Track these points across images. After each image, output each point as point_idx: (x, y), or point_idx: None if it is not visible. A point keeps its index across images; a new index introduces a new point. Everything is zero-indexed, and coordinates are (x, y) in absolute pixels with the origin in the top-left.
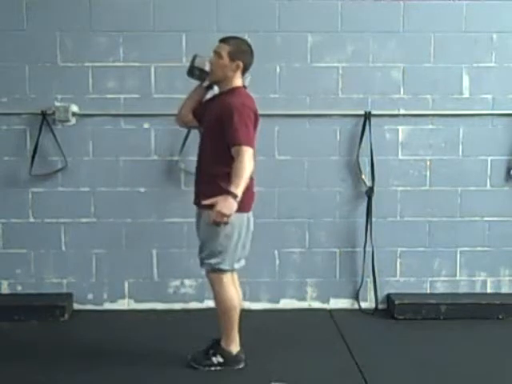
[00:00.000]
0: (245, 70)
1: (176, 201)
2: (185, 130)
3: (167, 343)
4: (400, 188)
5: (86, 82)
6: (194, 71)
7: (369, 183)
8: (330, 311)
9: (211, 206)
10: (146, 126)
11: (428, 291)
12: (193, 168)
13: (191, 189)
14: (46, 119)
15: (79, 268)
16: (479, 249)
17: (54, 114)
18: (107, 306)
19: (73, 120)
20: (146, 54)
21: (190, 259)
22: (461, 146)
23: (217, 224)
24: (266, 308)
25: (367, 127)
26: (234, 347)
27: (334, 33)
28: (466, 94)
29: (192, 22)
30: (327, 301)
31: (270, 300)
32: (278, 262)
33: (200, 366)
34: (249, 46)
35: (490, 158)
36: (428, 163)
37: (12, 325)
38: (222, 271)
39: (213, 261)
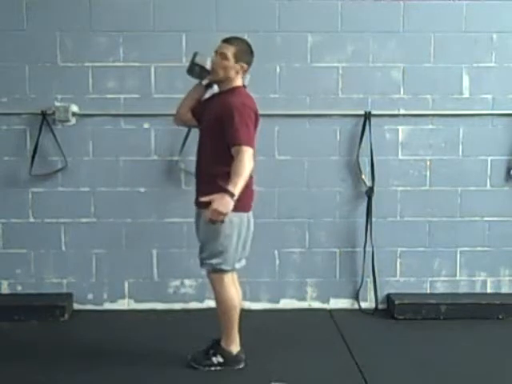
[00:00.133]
0: (246, 71)
1: (176, 201)
2: (185, 130)
3: (167, 343)
4: (400, 188)
5: (86, 82)
6: (194, 69)
7: (369, 183)
8: (330, 311)
9: (209, 205)
10: (146, 125)
11: (428, 291)
12: (193, 168)
13: (191, 189)
14: (45, 119)
15: (79, 268)
16: (479, 249)
17: (53, 113)
18: (107, 305)
19: (73, 120)
20: (146, 54)
21: (190, 259)
22: (461, 146)
23: (213, 222)
24: (265, 308)
25: (367, 127)
26: (234, 347)
27: (334, 33)
28: (466, 94)
29: (192, 22)
30: (327, 301)
31: (269, 300)
32: (277, 262)
33: (200, 366)
34: (250, 46)
35: (489, 158)
36: (428, 163)
37: (12, 325)
38: (223, 271)
39: (214, 261)
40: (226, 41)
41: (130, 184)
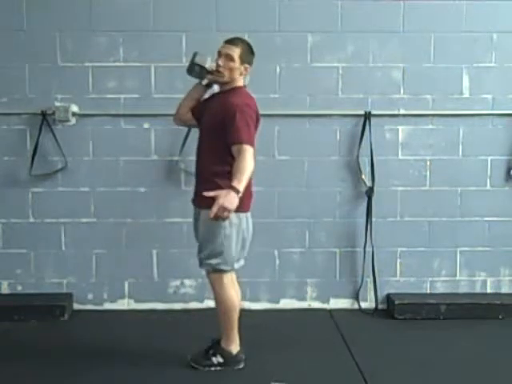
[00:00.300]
0: (248, 71)
1: (176, 201)
2: (185, 130)
3: (167, 343)
4: (400, 188)
5: (86, 82)
6: (194, 69)
7: (369, 183)
8: (330, 311)
9: (211, 205)
10: (146, 126)
11: (428, 291)
12: (193, 168)
13: (191, 189)
14: (46, 119)
15: (79, 268)
16: (479, 249)
17: (53, 113)
18: (107, 306)
19: (73, 120)
20: (145, 54)
21: (190, 259)
22: (461, 146)
23: (217, 219)
24: (265, 308)
25: (367, 127)
26: (234, 347)
27: (334, 33)
28: (466, 94)
29: (192, 22)
30: (327, 301)
31: (269, 300)
32: (277, 262)
33: (200, 366)
34: (251, 47)
35: (489, 158)
36: (428, 163)
37: (12, 325)
38: (223, 271)
39: (213, 261)
40: (230, 42)
41: (130, 184)
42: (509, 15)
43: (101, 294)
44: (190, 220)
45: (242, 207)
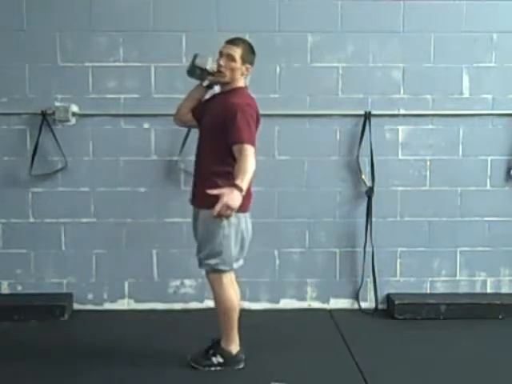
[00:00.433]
0: (249, 71)
1: (176, 201)
2: (185, 130)
3: (167, 343)
4: (400, 188)
5: (86, 82)
6: (194, 71)
7: (369, 183)
8: (330, 311)
9: (210, 205)
10: (146, 126)
11: (428, 291)
12: (192, 168)
13: (191, 189)
14: (46, 119)
15: (79, 268)
16: (479, 249)
17: (54, 113)
18: (107, 306)
19: (73, 120)
20: (145, 54)
21: (190, 259)
22: (461, 146)
23: (220, 217)
24: (265, 308)
25: (367, 127)
26: (234, 347)
27: (334, 33)
28: (466, 94)
29: (192, 22)
30: (327, 301)
31: (269, 300)
32: (277, 262)
33: (200, 366)
34: (253, 48)
35: (489, 158)
36: (428, 163)
37: (12, 325)
38: (222, 271)
39: (212, 261)
40: (232, 42)
41: (130, 184)
42: (509, 15)
43: (101, 294)
44: (190, 220)
45: (241, 207)
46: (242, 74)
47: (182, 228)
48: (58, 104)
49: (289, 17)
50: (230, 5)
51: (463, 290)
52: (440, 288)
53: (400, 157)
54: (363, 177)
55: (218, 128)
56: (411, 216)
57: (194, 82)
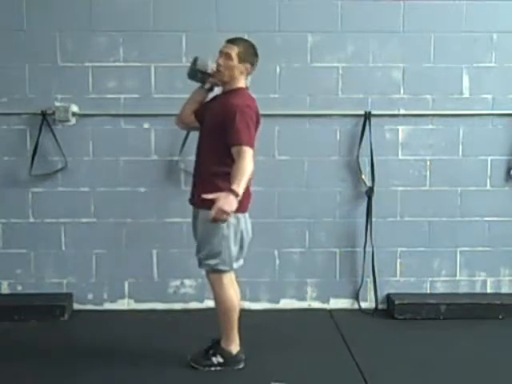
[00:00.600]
0: (250, 73)
1: (176, 201)
2: (185, 130)
3: (167, 343)
4: (400, 188)
5: (86, 82)
6: (196, 74)
7: (369, 183)
8: (330, 311)
9: (209, 206)
10: (146, 126)
11: (428, 291)
12: (192, 168)
13: (190, 189)
14: (46, 119)
15: (79, 268)
16: (479, 249)
17: (54, 113)
18: (107, 306)
19: (73, 120)
20: (145, 54)
21: (190, 259)
22: (461, 146)
23: (215, 221)
24: (265, 308)
25: (367, 127)
26: (234, 347)
27: (334, 33)
28: (466, 94)
29: (192, 22)
30: (327, 301)
31: (269, 300)
32: (277, 262)
33: (200, 366)
34: (255, 48)
35: (489, 158)
36: (428, 163)
37: (12, 325)
38: (222, 271)
39: (212, 262)
40: (231, 41)
41: (130, 184)
42: (509, 15)
43: (101, 294)
44: (190, 220)
45: (240, 207)
46: (242, 73)
47: (182, 228)
48: (57, 104)
49: (289, 17)
50: (230, 5)
51: (463, 290)
52: (440, 288)
53: (400, 157)
54: (363, 177)
55: (217, 128)
56: (411, 216)
57: (194, 84)
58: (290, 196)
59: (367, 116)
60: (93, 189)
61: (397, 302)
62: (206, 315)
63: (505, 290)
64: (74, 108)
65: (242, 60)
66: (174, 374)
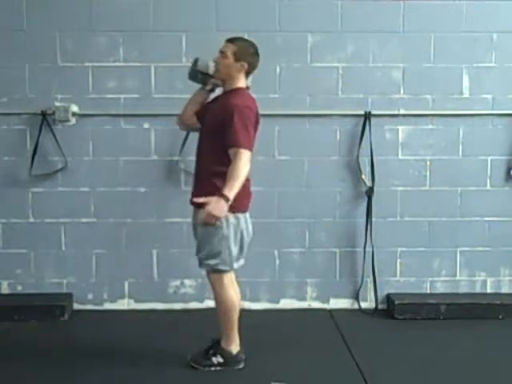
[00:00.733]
0: (249, 72)
1: (176, 201)
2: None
3: (167, 343)
4: (400, 188)
5: (86, 82)
6: (196, 75)
7: (369, 183)
8: (330, 311)
9: (204, 206)
10: (146, 125)
11: (428, 291)
12: (193, 168)
13: (191, 189)
14: (46, 119)
15: (79, 268)
16: (479, 249)
17: (54, 113)
18: (107, 306)
19: (73, 120)
20: (145, 54)
21: (190, 259)
22: (461, 146)
23: (205, 224)
24: (265, 308)
25: (367, 127)
26: (234, 347)
27: (334, 33)
28: (466, 94)
29: (192, 21)
30: (327, 301)
31: (269, 300)
32: (277, 262)
33: (200, 366)
34: (255, 48)
35: (489, 158)
36: (428, 163)
37: (12, 325)
38: (222, 271)
39: (212, 262)
40: (228, 40)
41: (129, 184)
42: (509, 15)
43: (101, 294)
44: (190, 220)
45: (239, 207)
46: (239, 72)
47: (182, 228)
48: (57, 104)
49: (289, 17)
50: (230, 5)
51: (463, 290)
52: (440, 288)
53: (400, 157)
54: (363, 177)
55: (216, 128)
56: (411, 216)
57: (194, 83)
58: (290, 196)
59: (367, 116)
60: (93, 189)
61: (397, 302)
62: (205, 315)
63: (505, 290)
64: (74, 108)
65: (237, 58)
66: (174, 374)
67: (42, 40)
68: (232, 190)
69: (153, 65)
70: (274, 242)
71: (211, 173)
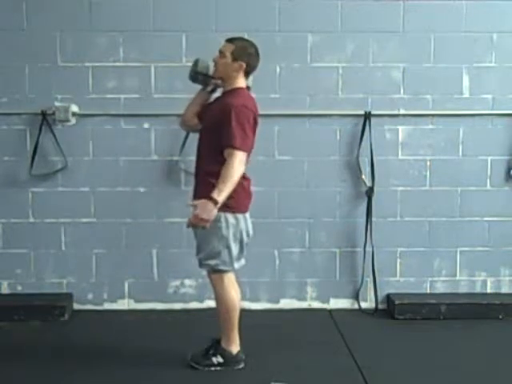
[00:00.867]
0: (249, 72)
1: (176, 201)
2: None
3: (167, 343)
4: (400, 188)
5: (86, 82)
6: (197, 77)
7: (369, 183)
8: (330, 311)
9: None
10: (146, 125)
11: (428, 291)
12: (193, 168)
13: (191, 189)
14: (45, 119)
15: (79, 268)
16: (479, 249)
17: (54, 114)
18: (107, 306)
19: (73, 120)
20: (145, 53)
21: (190, 259)
22: (461, 146)
23: (194, 226)
24: (265, 308)
25: (367, 127)
26: (234, 347)
27: (334, 33)
28: (466, 94)
29: (192, 22)
30: (327, 301)
31: (269, 300)
32: (277, 262)
33: (200, 366)
34: (254, 48)
35: (489, 158)
36: (428, 163)
37: (12, 325)
38: (223, 272)
39: (212, 262)
40: (227, 40)
41: (130, 184)
42: (509, 15)
43: (101, 294)
44: None
45: (238, 208)
46: (236, 72)
47: (182, 228)
48: (57, 104)
49: (289, 17)
50: (230, 5)
51: (463, 290)
52: (440, 288)
53: (400, 157)
54: (363, 177)
55: (215, 128)
56: (411, 216)
57: (195, 84)
58: (290, 196)
59: (367, 116)
60: (93, 189)
61: (397, 302)
62: (206, 315)
63: (505, 290)
64: (74, 108)
65: (235, 58)
66: (174, 374)
67: (42, 40)
68: (222, 192)
69: (153, 65)
70: (274, 242)
71: (210, 173)
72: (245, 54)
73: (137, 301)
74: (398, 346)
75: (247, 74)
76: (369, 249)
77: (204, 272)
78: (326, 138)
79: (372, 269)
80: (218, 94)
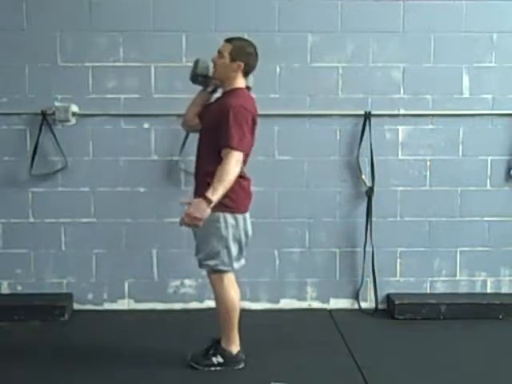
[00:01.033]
0: (248, 72)
1: (176, 201)
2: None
3: (167, 343)
4: (400, 188)
5: (86, 82)
6: (197, 78)
7: (369, 183)
8: (330, 311)
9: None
10: (146, 125)
11: (428, 291)
12: (193, 168)
13: (191, 189)
14: (45, 119)
15: (79, 268)
16: (479, 249)
17: (54, 114)
18: (107, 306)
19: (73, 120)
20: (145, 53)
21: (190, 259)
22: (461, 146)
23: (186, 225)
24: (265, 308)
25: (367, 127)
26: (234, 347)
27: (334, 33)
28: (466, 94)
29: (192, 22)
30: (327, 301)
31: (269, 300)
32: (277, 262)
33: (200, 366)
34: (253, 47)
35: (489, 158)
36: (428, 163)
37: (12, 325)
38: (222, 272)
39: (211, 262)
40: (226, 40)
41: (129, 184)
42: (509, 15)
43: (101, 294)
44: None
45: (237, 208)
46: (235, 72)
47: (182, 228)
48: (57, 104)
49: (289, 17)
50: (230, 5)
51: (463, 290)
52: (440, 288)
53: (400, 157)
54: (363, 177)
55: (214, 129)
56: (411, 216)
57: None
58: (290, 196)
59: (367, 116)
60: (93, 189)
61: (397, 302)
62: (206, 315)
63: (505, 290)
64: (74, 108)
65: (234, 58)
66: (174, 374)
67: (42, 40)
68: (216, 191)
69: (153, 65)
70: (274, 242)
71: (209, 173)
72: (243, 53)
73: (137, 301)
74: (398, 346)
75: (246, 74)
76: (369, 249)
77: (204, 272)
78: (326, 138)
79: (372, 269)
80: (218, 94)
